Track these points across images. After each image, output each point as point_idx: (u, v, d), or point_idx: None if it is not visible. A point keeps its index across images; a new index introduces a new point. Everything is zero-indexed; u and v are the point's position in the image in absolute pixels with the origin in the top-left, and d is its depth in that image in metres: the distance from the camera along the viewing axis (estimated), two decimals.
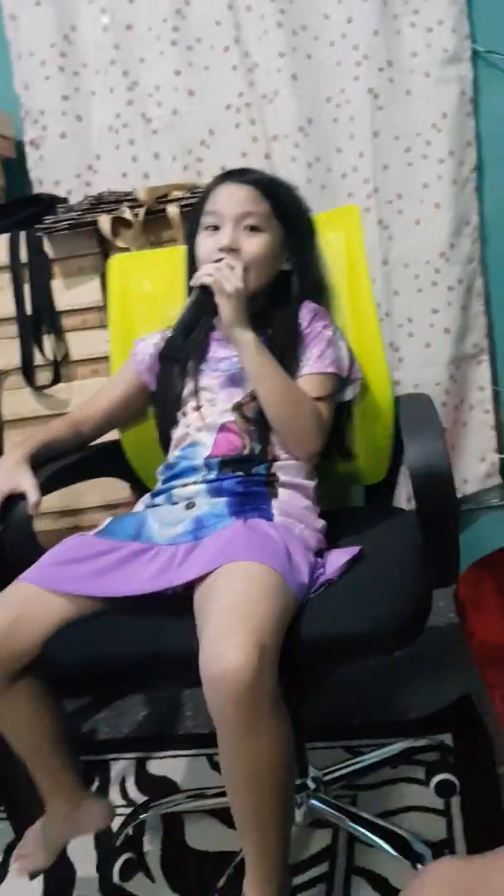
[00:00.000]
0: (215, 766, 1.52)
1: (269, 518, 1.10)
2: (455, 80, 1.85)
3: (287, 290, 1.27)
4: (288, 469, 1.19)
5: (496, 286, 1.97)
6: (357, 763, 1.40)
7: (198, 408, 1.24)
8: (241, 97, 1.87)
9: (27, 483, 1.16)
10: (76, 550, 1.10)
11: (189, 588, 1.01)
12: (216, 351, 1.28)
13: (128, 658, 1.02)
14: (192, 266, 1.26)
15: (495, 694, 1.42)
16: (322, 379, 1.20)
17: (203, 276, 1.16)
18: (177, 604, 1.02)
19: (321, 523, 1.17)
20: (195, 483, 1.17)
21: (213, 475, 1.17)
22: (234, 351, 1.22)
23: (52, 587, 1.05)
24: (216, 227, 1.22)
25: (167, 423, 1.29)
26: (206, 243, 1.23)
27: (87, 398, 1.41)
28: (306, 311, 1.24)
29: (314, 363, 1.20)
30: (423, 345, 1.90)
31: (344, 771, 1.37)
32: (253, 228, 1.21)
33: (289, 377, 1.18)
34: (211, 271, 1.15)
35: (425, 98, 1.85)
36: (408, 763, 1.42)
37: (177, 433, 1.26)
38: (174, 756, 1.58)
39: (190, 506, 1.14)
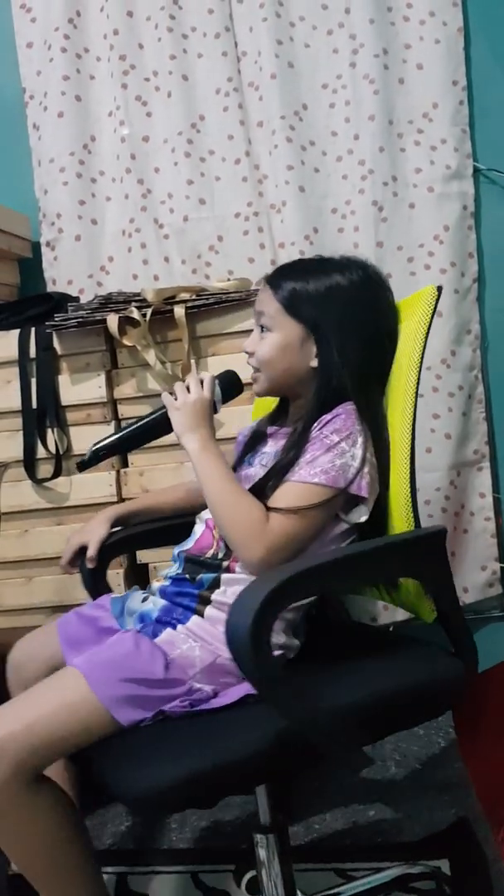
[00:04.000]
0: (199, 885, 1.44)
1: (157, 634, 1.13)
2: (457, 195, 1.92)
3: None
4: (235, 585, 1.12)
5: (496, 394, 1.99)
6: (348, 889, 1.33)
7: None
8: (250, 206, 1.94)
9: (94, 538, 1.36)
10: (95, 610, 1.28)
11: None
12: (260, 446, 1.29)
13: None
14: None
15: (494, 820, 1.36)
16: (300, 489, 1.09)
17: (165, 391, 1.24)
18: None
19: None
20: (164, 578, 1.23)
21: (177, 572, 1.21)
22: (273, 447, 1.25)
23: (60, 632, 1.24)
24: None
25: None
26: None
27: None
28: (329, 414, 1.15)
29: (300, 469, 1.10)
30: (423, 450, 1.91)
31: None
32: (266, 329, 1.22)
33: (232, 485, 1.12)
34: (174, 387, 1.22)
35: (428, 211, 1.92)
36: (402, 890, 1.34)
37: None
38: (156, 872, 1.50)
39: (144, 599, 1.22)
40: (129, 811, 1.61)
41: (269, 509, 1.09)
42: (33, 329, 1.74)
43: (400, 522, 1.14)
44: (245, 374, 1.30)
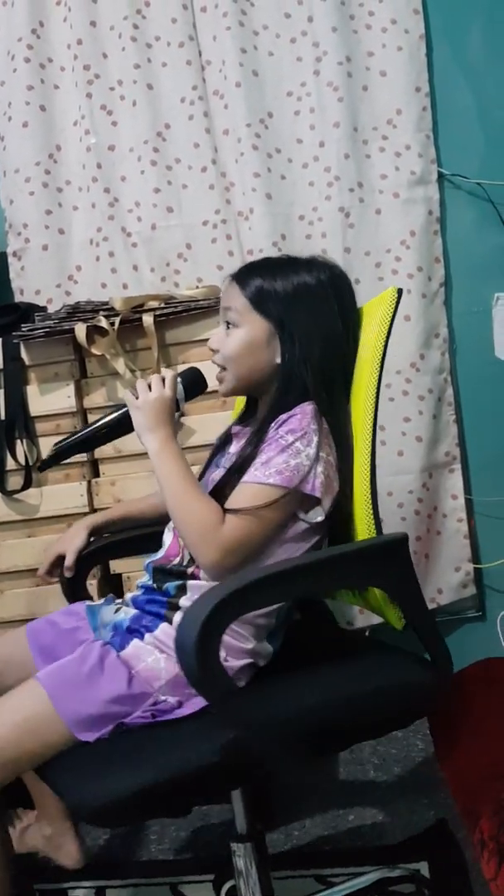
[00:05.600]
0: None
1: (124, 646, 1.12)
2: (422, 200, 1.94)
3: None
4: (200, 590, 1.09)
5: (466, 396, 2.01)
6: (328, 894, 1.32)
7: None
8: (218, 214, 1.94)
9: (71, 547, 1.36)
10: (66, 617, 1.27)
11: None
12: (231, 446, 1.29)
13: None
14: None
15: (471, 821, 1.36)
16: (254, 489, 1.07)
17: (128, 390, 1.23)
18: None
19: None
20: (136, 588, 1.24)
21: (148, 582, 1.21)
22: (236, 447, 1.24)
23: (30, 638, 1.24)
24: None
25: None
26: None
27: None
28: (287, 413, 1.13)
29: (255, 470, 1.09)
30: (395, 453, 1.92)
31: None
32: (232, 325, 1.21)
33: (189, 486, 1.11)
34: (136, 384, 1.21)
35: (394, 217, 1.93)
36: (382, 894, 1.34)
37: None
38: (135, 885, 1.49)
39: (117, 609, 1.23)
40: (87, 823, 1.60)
41: (224, 511, 1.08)
42: (0, 340, 1.72)
43: (362, 528, 1.13)
44: (211, 377, 1.28)
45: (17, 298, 1.99)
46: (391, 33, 1.92)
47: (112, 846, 1.61)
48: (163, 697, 1.07)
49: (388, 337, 1.15)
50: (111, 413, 1.26)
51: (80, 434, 1.28)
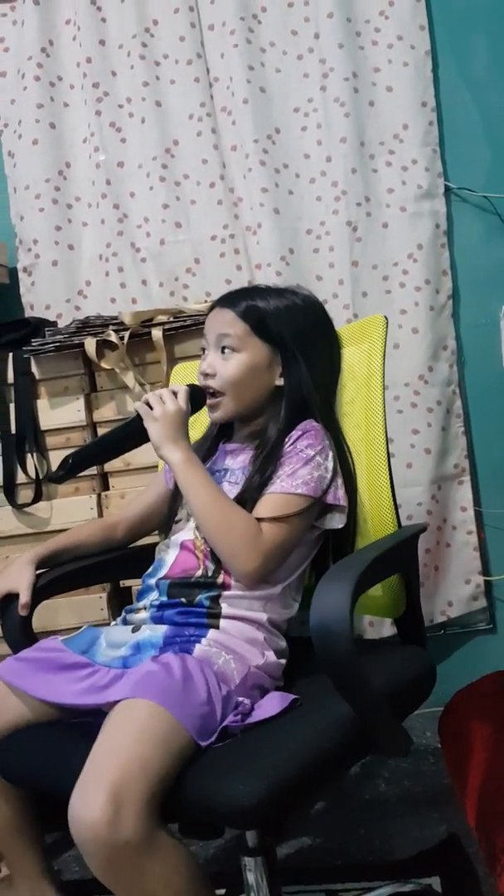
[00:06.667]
0: None
1: (190, 651, 1.08)
2: (429, 214, 1.95)
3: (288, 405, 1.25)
4: (236, 599, 1.14)
5: (474, 408, 2.01)
6: None
7: (177, 521, 1.25)
8: (226, 229, 1.96)
9: (23, 584, 1.25)
10: (40, 652, 1.16)
11: None
12: (218, 462, 1.29)
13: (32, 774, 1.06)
14: None
15: (482, 836, 1.35)
16: (284, 499, 1.14)
17: (140, 401, 1.22)
18: None
19: (269, 659, 1.12)
20: (144, 608, 1.18)
21: (161, 598, 1.17)
22: (235, 463, 1.25)
23: (9, 680, 1.11)
24: (205, 351, 1.27)
25: (165, 534, 1.30)
26: (198, 366, 1.27)
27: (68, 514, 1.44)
28: (299, 429, 1.20)
29: (281, 481, 1.15)
30: (404, 465, 1.92)
31: None
32: (230, 350, 1.23)
33: (221, 496, 1.14)
34: (147, 397, 1.20)
35: (401, 230, 1.94)
36: None
37: (159, 547, 1.28)
38: None
39: (136, 629, 1.15)
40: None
41: (258, 520, 1.13)
42: (11, 354, 1.74)
43: (381, 526, 1.25)
44: None
45: (28, 313, 2.00)
46: (397, 49, 1.94)
47: None
48: (239, 699, 1.05)
49: (384, 360, 1.28)
50: (124, 425, 1.25)
51: (93, 444, 1.28)
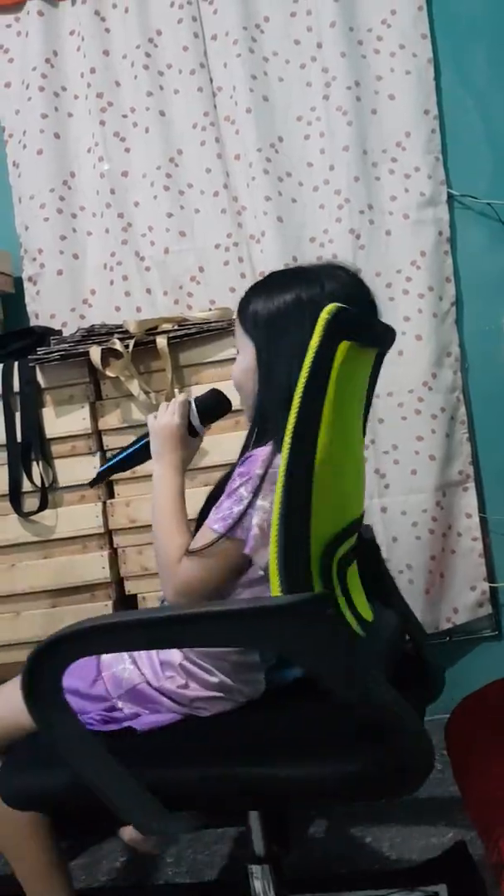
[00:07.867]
0: None
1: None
2: (432, 221, 1.96)
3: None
4: None
5: (479, 414, 2.01)
6: None
7: None
8: (230, 237, 1.97)
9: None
10: None
11: None
12: None
13: None
14: None
15: (490, 843, 1.35)
16: (203, 532, 1.06)
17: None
18: None
19: (177, 684, 1.09)
20: None
21: None
22: None
23: None
24: None
25: None
26: None
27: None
28: (247, 454, 1.07)
29: (211, 513, 1.07)
30: (408, 472, 1.92)
31: None
32: (237, 351, 1.18)
33: (167, 520, 1.13)
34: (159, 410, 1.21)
35: (404, 238, 1.95)
36: None
37: None
38: None
39: None
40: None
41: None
42: (16, 363, 1.74)
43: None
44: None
45: (33, 322, 2.01)
46: (399, 58, 1.95)
47: (128, 869, 1.60)
48: (120, 705, 1.09)
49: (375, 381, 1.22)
50: (142, 437, 1.28)
51: (117, 458, 1.31)
